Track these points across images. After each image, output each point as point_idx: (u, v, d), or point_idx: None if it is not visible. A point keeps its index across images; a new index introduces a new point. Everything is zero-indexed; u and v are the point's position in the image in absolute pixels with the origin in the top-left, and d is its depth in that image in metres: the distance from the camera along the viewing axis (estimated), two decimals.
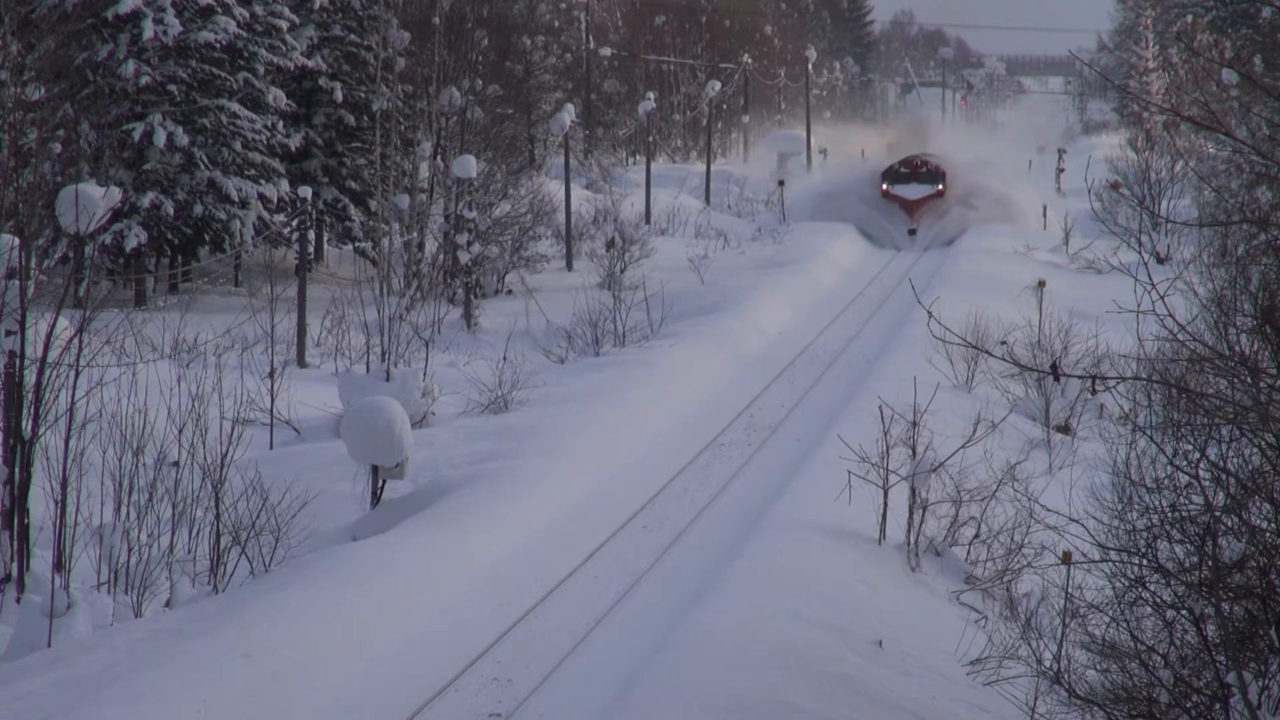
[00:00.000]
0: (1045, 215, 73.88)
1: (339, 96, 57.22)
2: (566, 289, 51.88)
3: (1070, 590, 17.93)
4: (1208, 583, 13.64)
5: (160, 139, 48.86)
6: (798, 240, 66.45)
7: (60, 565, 21.04)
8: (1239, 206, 36.58)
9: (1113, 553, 14.57)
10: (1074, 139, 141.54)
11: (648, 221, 71.53)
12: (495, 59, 72.99)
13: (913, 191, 72.93)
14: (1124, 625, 14.63)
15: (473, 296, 49.42)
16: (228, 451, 23.33)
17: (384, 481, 27.38)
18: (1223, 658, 13.81)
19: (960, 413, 30.58)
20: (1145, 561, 14.31)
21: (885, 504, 25.11)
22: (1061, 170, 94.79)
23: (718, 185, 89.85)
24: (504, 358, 38.94)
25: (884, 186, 73.70)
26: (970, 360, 37.56)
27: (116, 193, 22.06)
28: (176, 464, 23.17)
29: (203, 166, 49.93)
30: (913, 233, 71.16)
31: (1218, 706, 13.84)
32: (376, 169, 55.41)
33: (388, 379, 31.07)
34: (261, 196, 51.38)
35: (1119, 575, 14.65)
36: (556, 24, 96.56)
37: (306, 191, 43.88)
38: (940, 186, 73.35)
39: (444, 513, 25.82)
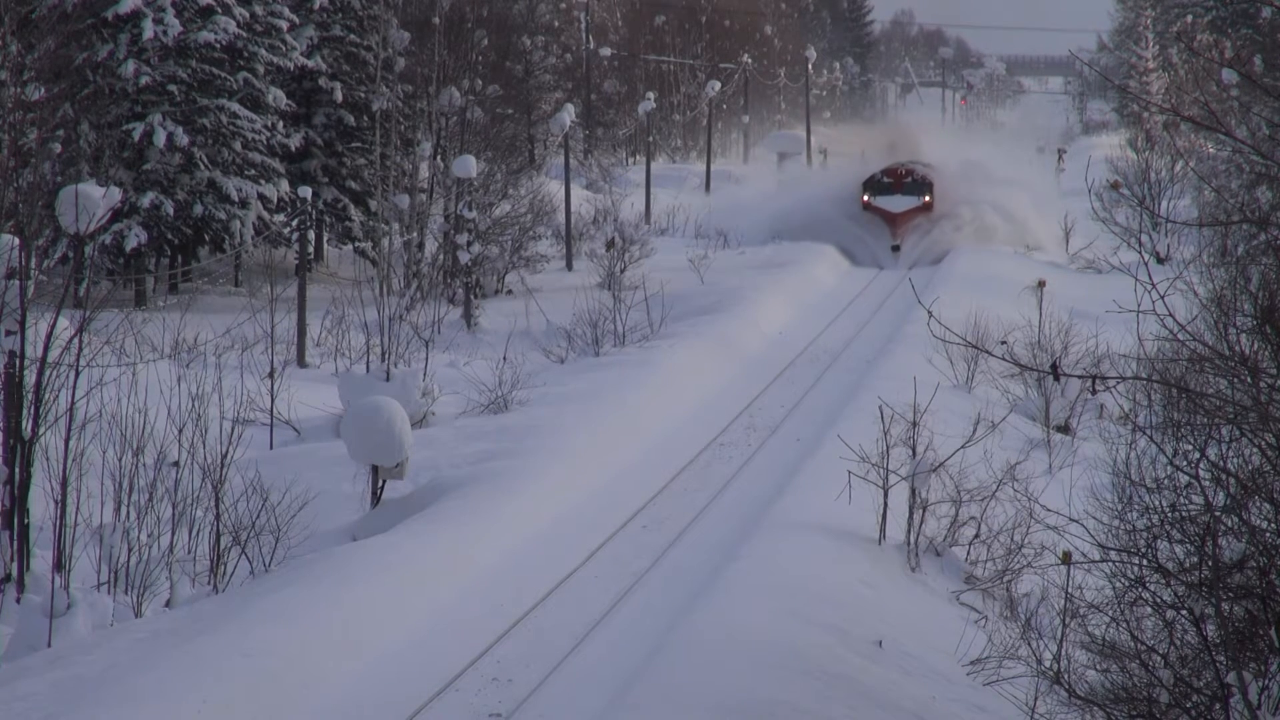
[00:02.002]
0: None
1: (339, 96, 57.24)
2: (566, 289, 51.88)
3: (1070, 590, 17.94)
4: (1208, 583, 13.65)
5: (160, 139, 48.87)
6: (797, 240, 66.32)
7: (60, 565, 21.04)
8: (1239, 206, 36.60)
9: (1113, 553, 14.57)
10: (1074, 139, 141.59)
11: (648, 221, 71.50)
12: (495, 59, 72.95)
13: (896, 204, 66.73)
14: (1124, 625, 14.64)
15: (473, 296, 49.42)
16: (228, 451, 23.32)
17: (384, 481, 27.37)
18: (1223, 658, 13.81)
19: (960, 413, 30.59)
20: (1145, 561, 14.31)
21: (885, 504, 25.11)
22: (1062, 170, 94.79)
23: (718, 185, 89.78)
24: (504, 358, 38.94)
25: (865, 198, 67.39)
26: (970, 360, 37.56)
27: (116, 193, 22.05)
28: (176, 464, 23.17)
29: (203, 166, 49.95)
30: (896, 249, 65.31)
31: (1218, 706, 13.84)
32: (376, 169, 55.43)
33: (388, 379, 31.06)
34: (261, 196, 51.39)
35: (1119, 575, 14.65)
36: (556, 24, 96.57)
37: (306, 191, 43.88)
38: (927, 198, 67.11)
39: (444, 513, 25.81)
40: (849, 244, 66.02)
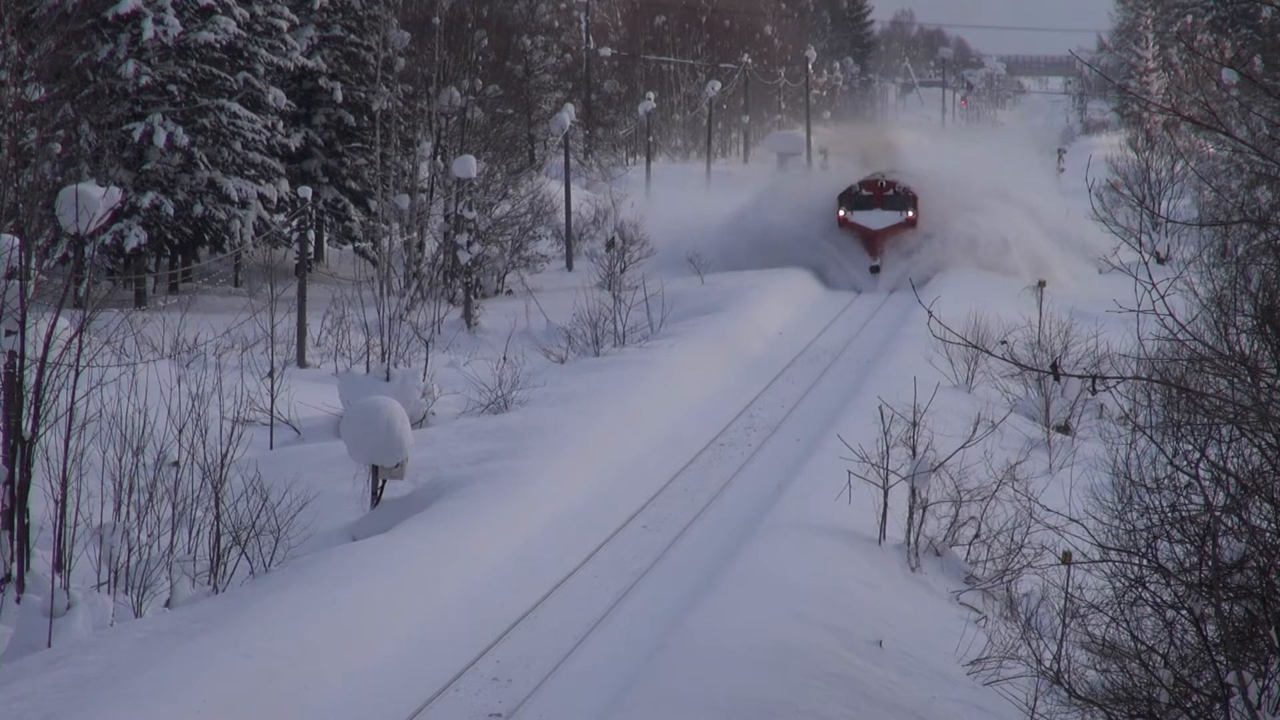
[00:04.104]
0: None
1: (339, 96, 57.27)
2: (566, 289, 51.87)
3: (1070, 590, 17.93)
4: (1208, 583, 13.65)
5: (160, 139, 48.90)
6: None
7: (60, 565, 21.05)
8: (1239, 206, 36.60)
9: (1113, 553, 14.57)
10: (1074, 139, 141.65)
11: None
12: (495, 59, 72.94)
13: (876, 220, 59.96)
14: (1124, 625, 14.63)
15: (473, 296, 49.44)
16: (228, 451, 23.32)
17: (384, 481, 27.38)
18: (1223, 658, 13.81)
19: (960, 413, 30.58)
20: (1145, 561, 14.31)
21: (885, 504, 25.10)
22: (1062, 170, 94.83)
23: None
24: (504, 358, 38.93)
25: (841, 213, 60.40)
26: (970, 360, 37.57)
27: (116, 193, 22.07)
28: (176, 464, 23.17)
29: (203, 166, 49.97)
30: (875, 270, 58.65)
31: (1218, 706, 13.84)
32: (376, 169, 55.43)
33: (388, 379, 31.05)
34: (261, 196, 51.43)
35: (1119, 575, 14.65)
36: (556, 24, 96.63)
37: (306, 191, 43.90)
38: (910, 213, 60.16)
39: (444, 513, 25.82)
40: (823, 265, 59.62)
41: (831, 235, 60.11)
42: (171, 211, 49.35)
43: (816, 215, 61.19)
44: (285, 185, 52.65)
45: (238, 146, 50.89)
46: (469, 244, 50.03)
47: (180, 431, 23.43)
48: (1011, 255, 58.52)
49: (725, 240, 60.71)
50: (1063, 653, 16.30)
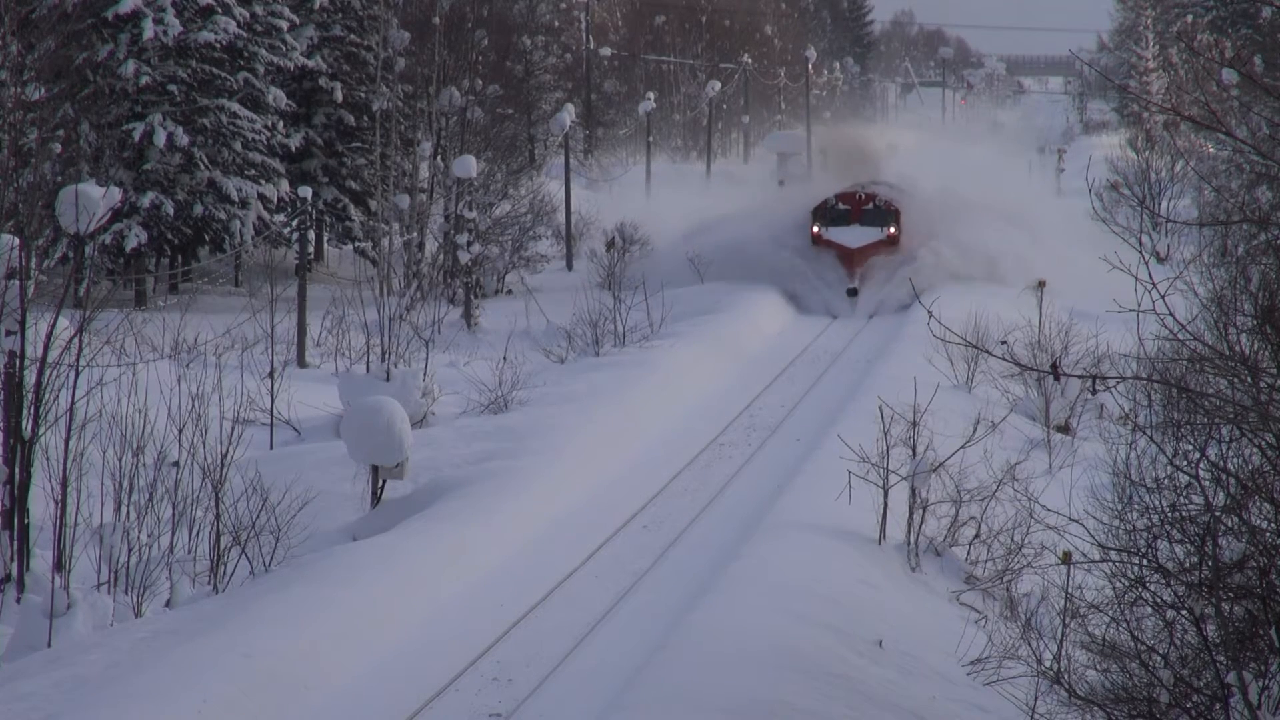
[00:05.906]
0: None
1: (339, 96, 57.31)
2: (566, 289, 51.88)
3: (1070, 590, 17.94)
4: (1208, 583, 13.65)
5: (160, 139, 48.92)
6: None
7: (60, 565, 21.04)
8: (1239, 206, 36.62)
9: (1113, 553, 14.57)
10: (1074, 139, 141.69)
11: None
12: (495, 59, 72.98)
13: (853, 236, 54.55)
14: (1124, 625, 14.64)
15: (473, 296, 49.44)
16: (228, 451, 23.32)
17: (384, 481, 27.38)
18: (1223, 658, 13.81)
19: (960, 413, 30.59)
20: (1145, 561, 14.32)
21: (885, 504, 25.11)
22: (1062, 170, 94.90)
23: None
24: (504, 358, 38.92)
25: (815, 229, 55.01)
26: (970, 360, 37.57)
27: (116, 193, 22.07)
28: (176, 464, 23.16)
29: (203, 166, 50.00)
30: (853, 293, 53.35)
31: (1218, 706, 13.85)
32: (376, 169, 55.46)
33: (388, 379, 31.04)
34: (261, 196, 51.46)
35: (1119, 575, 14.65)
36: (556, 24, 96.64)
37: (306, 191, 43.93)
38: (892, 229, 54.83)
39: (444, 513, 25.82)
40: (795, 286, 54.09)
41: (805, 253, 54.72)
42: (171, 211, 49.37)
43: (789, 230, 56.12)
44: (285, 185, 52.69)
45: (238, 146, 50.91)
46: (469, 244, 50.04)
47: (180, 431, 23.42)
48: (1004, 270, 53.20)
49: (695, 251, 55.80)
50: (1063, 653, 16.30)
